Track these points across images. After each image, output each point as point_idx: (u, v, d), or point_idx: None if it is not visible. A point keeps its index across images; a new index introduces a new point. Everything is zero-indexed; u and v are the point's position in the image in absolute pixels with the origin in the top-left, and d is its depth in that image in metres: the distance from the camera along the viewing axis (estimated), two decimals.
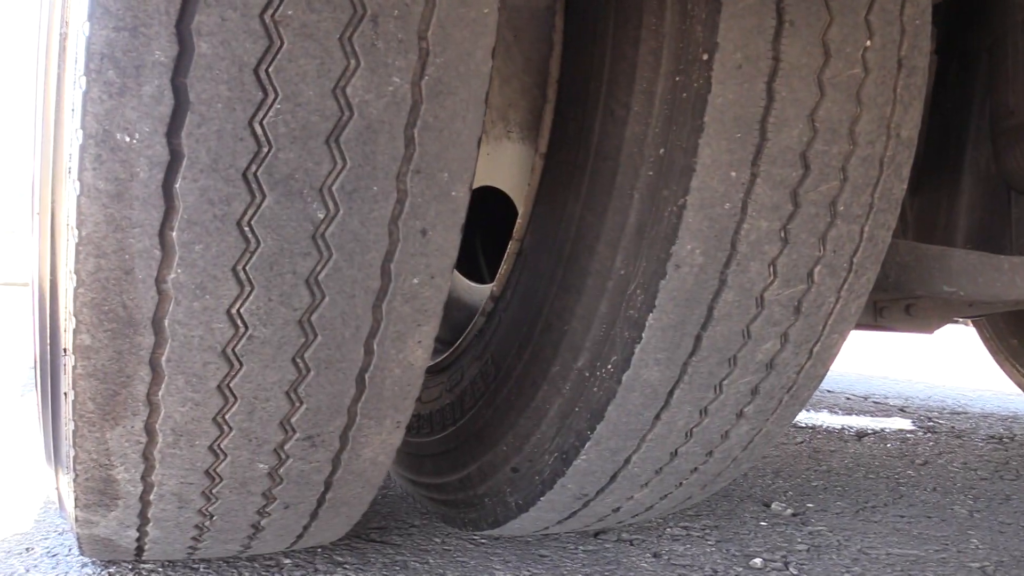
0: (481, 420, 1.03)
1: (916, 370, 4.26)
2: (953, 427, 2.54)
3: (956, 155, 1.27)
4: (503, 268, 1.04)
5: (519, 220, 1.02)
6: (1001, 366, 2.68)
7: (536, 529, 1.10)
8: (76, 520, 0.77)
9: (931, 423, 2.61)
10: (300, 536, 0.89)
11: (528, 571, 1.07)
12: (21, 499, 1.25)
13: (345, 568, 1.03)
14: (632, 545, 1.21)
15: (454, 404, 1.10)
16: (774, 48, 0.75)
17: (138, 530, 0.79)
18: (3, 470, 1.42)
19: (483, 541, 1.19)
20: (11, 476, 1.39)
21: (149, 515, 0.76)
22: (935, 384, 3.67)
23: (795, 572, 1.13)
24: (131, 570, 0.96)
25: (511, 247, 1.02)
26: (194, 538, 0.82)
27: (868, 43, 0.79)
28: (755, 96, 0.75)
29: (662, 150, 0.78)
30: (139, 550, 0.84)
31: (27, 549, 1.02)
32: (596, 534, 1.25)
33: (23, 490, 1.31)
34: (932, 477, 1.79)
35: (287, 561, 1.03)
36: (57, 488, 0.82)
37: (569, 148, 0.90)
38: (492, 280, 1.10)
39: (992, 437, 2.37)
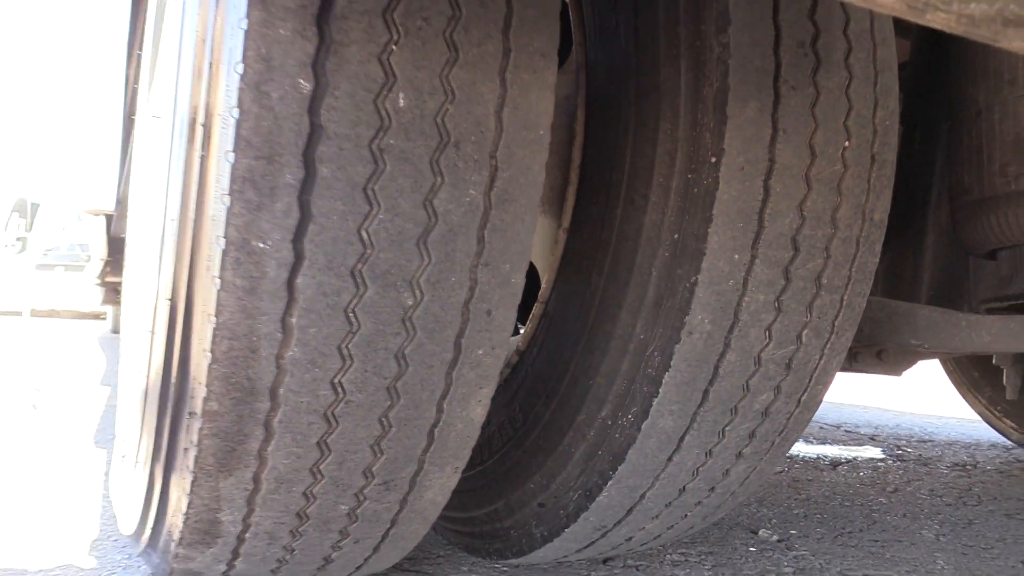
0: (509, 461, 1.16)
1: (885, 399, 4.45)
2: (920, 455, 2.71)
3: (921, 215, 1.44)
4: (529, 326, 1.17)
5: (544, 285, 1.15)
6: (964, 396, 2.86)
7: (556, 557, 1.23)
8: (175, 556, 0.88)
9: (900, 451, 2.77)
10: (359, 567, 1.01)
11: None
12: (78, 533, 1.35)
13: None
14: (638, 571, 1.34)
15: (482, 445, 1.22)
16: (770, 152, 0.90)
17: (228, 564, 0.90)
18: (55, 506, 1.52)
19: (504, 569, 1.31)
20: (61, 508, 1.49)
21: (241, 551, 0.88)
22: (903, 412, 3.86)
23: None
24: None
25: (536, 309, 1.16)
26: (272, 570, 0.94)
27: (847, 144, 0.94)
28: (754, 192, 0.90)
29: (676, 235, 0.92)
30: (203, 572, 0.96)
31: None
32: (605, 561, 1.38)
33: (77, 522, 1.41)
34: (902, 504, 1.95)
35: None
36: (152, 528, 0.93)
37: (593, 227, 1.04)
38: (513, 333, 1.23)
39: (956, 464, 2.53)
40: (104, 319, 12.55)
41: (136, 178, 1.60)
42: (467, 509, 1.26)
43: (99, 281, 6.93)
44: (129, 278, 1.52)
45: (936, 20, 0.52)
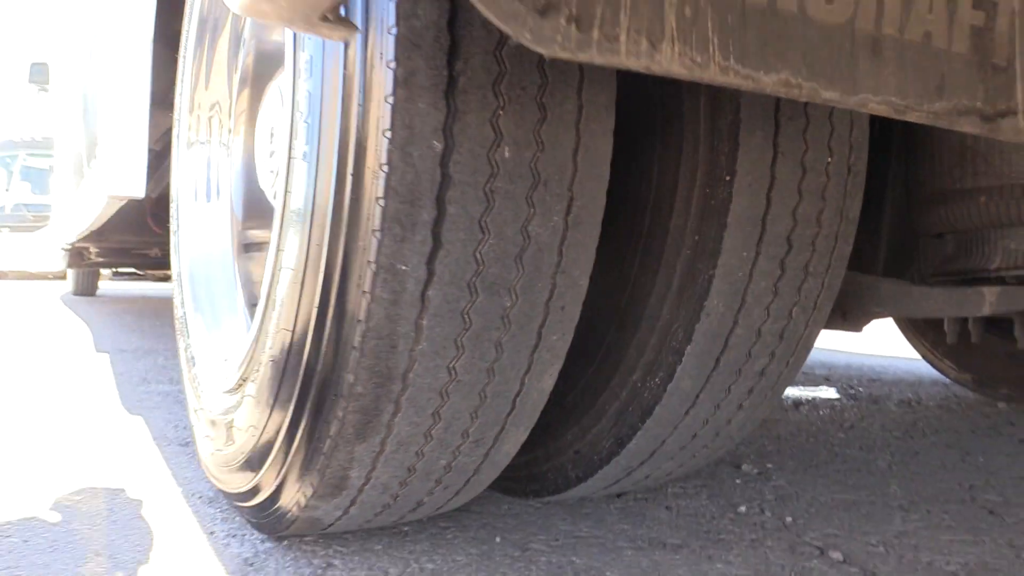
0: (549, 416, 1.39)
1: (835, 341, 4.81)
2: (871, 393, 3.03)
3: (878, 199, 1.68)
4: None
5: None
6: (908, 340, 3.19)
7: (584, 494, 1.48)
8: (304, 507, 1.10)
9: (852, 391, 3.10)
10: (440, 508, 1.25)
11: (583, 523, 1.45)
12: (161, 495, 1.56)
13: (453, 530, 1.38)
14: (648, 501, 1.60)
15: None
16: (771, 170, 1.12)
17: (344, 511, 1.13)
18: (121, 473, 1.72)
19: (539, 505, 1.56)
20: (129, 475, 1.69)
21: (358, 500, 1.10)
22: (852, 353, 4.22)
23: (770, 514, 1.54)
24: (299, 540, 1.30)
25: None
26: (376, 513, 1.17)
27: (829, 160, 1.18)
28: (760, 203, 1.13)
29: (697, 237, 1.15)
30: (330, 525, 1.18)
31: (211, 533, 1.34)
32: (619, 495, 1.63)
33: (154, 486, 1.61)
34: (858, 438, 2.25)
35: (407, 528, 1.38)
36: (278, 484, 1.14)
37: (625, 226, 1.26)
38: None
39: (903, 401, 2.86)
40: (63, 279, 12.50)
41: (187, 177, 1.76)
42: None
43: (69, 247, 6.94)
44: (192, 266, 1.69)
45: (911, 116, 0.75)
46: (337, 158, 0.92)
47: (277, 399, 1.09)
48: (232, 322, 1.57)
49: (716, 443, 1.40)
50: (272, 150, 1.52)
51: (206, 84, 1.70)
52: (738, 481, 1.78)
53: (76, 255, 7.88)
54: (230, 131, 1.70)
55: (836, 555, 1.32)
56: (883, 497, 1.68)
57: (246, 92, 1.68)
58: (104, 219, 3.27)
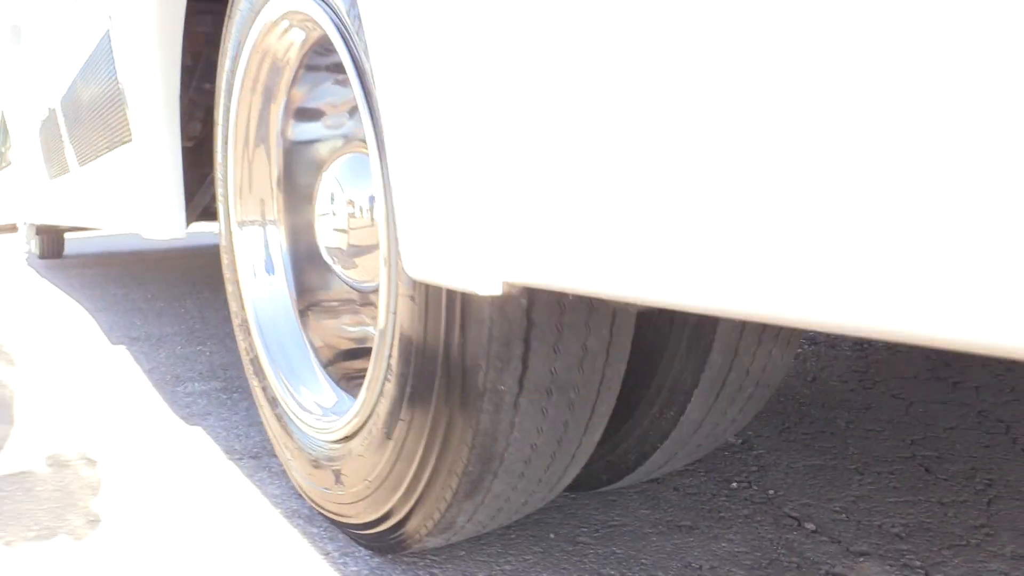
0: None
1: None
2: (827, 336, 3.46)
3: None
4: None
5: None
6: None
7: (610, 489, 1.86)
8: (416, 541, 1.46)
9: (812, 334, 3.52)
10: (511, 523, 1.61)
11: (612, 511, 1.83)
12: (259, 515, 1.90)
13: (514, 529, 1.75)
14: (659, 484, 1.99)
15: None
16: None
17: (446, 539, 1.49)
18: (216, 493, 2.05)
19: (573, 497, 1.94)
20: (221, 496, 2.02)
21: (459, 532, 1.46)
22: None
23: (756, 488, 1.95)
24: (410, 556, 1.66)
25: None
26: (468, 537, 1.53)
27: None
28: None
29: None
30: (434, 547, 1.54)
31: (326, 553, 1.70)
32: None
33: (250, 507, 1.95)
34: (819, 393, 2.66)
35: None
36: (395, 525, 1.49)
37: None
38: None
39: (856, 345, 3.29)
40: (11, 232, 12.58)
41: (243, 254, 2.03)
42: None
43: (42, 225, 7.05)
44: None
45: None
46: (446, 308, 1.23)
47: (392, 467, 1.43)
48: (311, 378, 1.88)
49: (713, 445, 1.79)
50: (332, 213, 1.80)
51: (249, 189, 1.96)
52: (726, 454, 2.18)
53: (43, 228, 7.97)
54: (275, 219, 1.97)
55: (810, 525, 1.72)
56: (843, 460, 2.10)
57: (280, 195, 1.95)
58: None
